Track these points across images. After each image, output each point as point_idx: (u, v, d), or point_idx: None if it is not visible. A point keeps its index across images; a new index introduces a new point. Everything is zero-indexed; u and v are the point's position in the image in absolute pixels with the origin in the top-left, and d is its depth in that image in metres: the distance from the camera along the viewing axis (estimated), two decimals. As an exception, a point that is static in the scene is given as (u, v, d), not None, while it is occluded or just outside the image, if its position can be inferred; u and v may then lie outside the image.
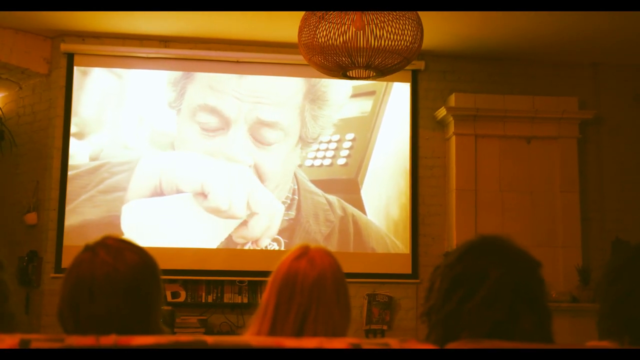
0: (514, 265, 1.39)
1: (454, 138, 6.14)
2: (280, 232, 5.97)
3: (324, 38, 3.91)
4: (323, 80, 6.03)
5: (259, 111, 6.04)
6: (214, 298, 5.88)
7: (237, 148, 5.96)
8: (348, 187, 6.09)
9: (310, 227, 5.98)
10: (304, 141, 6.08)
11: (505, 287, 1.35)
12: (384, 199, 6.13)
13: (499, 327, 1.32)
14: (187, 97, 6.03)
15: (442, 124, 6.33)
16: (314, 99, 6.12)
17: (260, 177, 5.97)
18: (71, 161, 5.86)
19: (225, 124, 5.99)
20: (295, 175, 6.05)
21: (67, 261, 5.65)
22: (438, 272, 1.42)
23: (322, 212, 6.02)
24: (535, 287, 1.40)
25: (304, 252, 1.78)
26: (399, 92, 6.28)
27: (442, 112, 6.19)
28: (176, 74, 6.05)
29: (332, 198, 6.05)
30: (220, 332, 5.74)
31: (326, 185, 6.07)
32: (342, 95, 6.18)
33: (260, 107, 6.05)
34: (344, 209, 6.05)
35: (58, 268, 5.74)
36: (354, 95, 6.21)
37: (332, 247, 5.77)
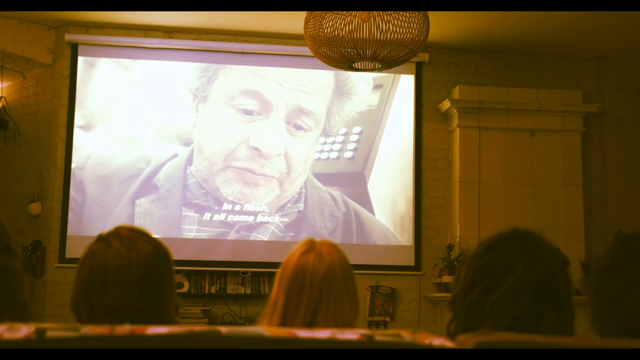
0: (540, 262, 1.36)
1: (457, 130, 6.14)
2: (287, 226, 5.97)
3: (330, 29, 3.91)
4: (353, 74, 6.00)
5: (300, 98, 6.03)
6: (217, 289, 5.89)
7: (272, 134, 5.96)
8: (355, 180, 6.08)
9: (315, 222, 5.98)
10: (325, 134, 6.08)
11: (528, 283, 1.33)
12: (390, 192, 6.13)
13: (520, 322, 1.31)
14: (219, 83, 6.01)
15: (445, 117, 6.32)
16: (341, 93, 6.12)
17: (289, 166, 5.97)
18: (75, 158, 5.84)
19: (265, 109, 5.98)
20: (303, 169, 6.06)
21: (71, 251, 5.67)
22: (465, 261, 1.41)
23: (327, 208, 6.02)
24: (560, 285, 1.37)
25: (311, 247, 1.77)
26: (405, 85, 6.26)
27: (446, 105, 6.19)
28: (203, 63, 6.03)
29: (335, 193, 6.05)
30: (223, 323, 5.75)
31: (333, 178, 6.06)
32: (364, 89, 6.16)
33: (302, 95, 6.04)
34: (346, 204, 6.05)
35: (62, 258, 5.75)
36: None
37: (336, 241, 5.75)
